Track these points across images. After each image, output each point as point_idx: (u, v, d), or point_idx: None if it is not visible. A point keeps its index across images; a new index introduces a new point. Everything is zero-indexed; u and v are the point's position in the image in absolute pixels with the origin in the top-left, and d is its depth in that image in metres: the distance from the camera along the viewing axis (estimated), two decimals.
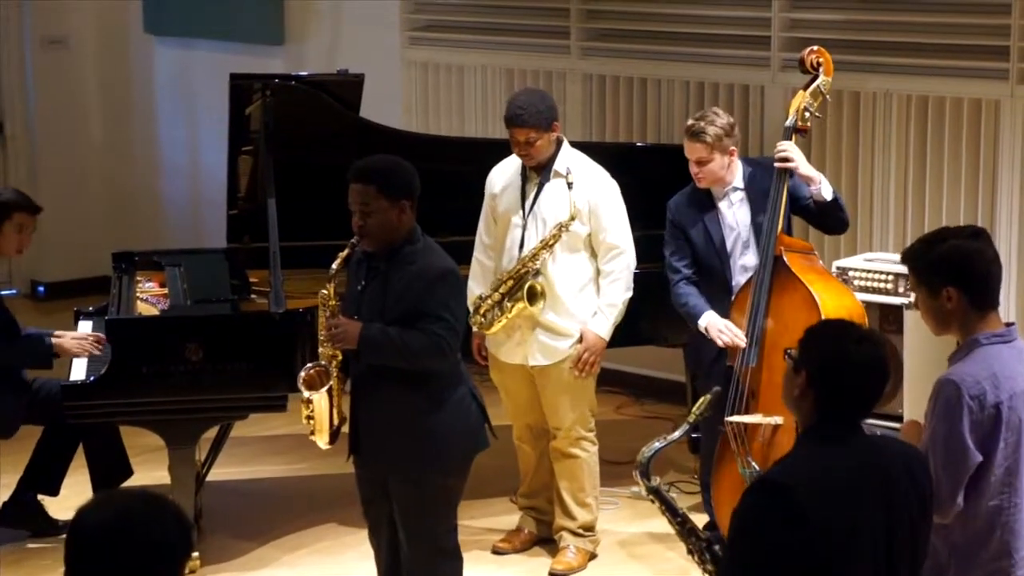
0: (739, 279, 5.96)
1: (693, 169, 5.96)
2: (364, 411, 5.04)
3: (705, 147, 5.90)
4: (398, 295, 4.91)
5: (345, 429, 5.16)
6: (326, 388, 5.06)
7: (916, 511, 3.57)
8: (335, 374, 5.07)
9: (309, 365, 5.10)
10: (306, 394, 5.08)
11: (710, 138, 5.89)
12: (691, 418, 5.24)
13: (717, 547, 4.12)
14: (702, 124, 5.91)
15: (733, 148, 5.96)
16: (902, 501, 3.52)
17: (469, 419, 5.04)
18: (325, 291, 5.02)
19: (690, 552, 4.29)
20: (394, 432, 4.96)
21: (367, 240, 4.94)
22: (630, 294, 6.12)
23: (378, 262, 4.99)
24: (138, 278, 6.88)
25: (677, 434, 5.28)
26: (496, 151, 6.29)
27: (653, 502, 4.68)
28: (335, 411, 5.12)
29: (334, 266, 5.01)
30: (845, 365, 3.52)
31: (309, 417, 5.13)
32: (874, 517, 3.46)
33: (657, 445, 4.96)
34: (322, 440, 5.17)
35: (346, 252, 4.99)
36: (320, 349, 5.07)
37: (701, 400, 5.24)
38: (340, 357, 5.07)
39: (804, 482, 3.39)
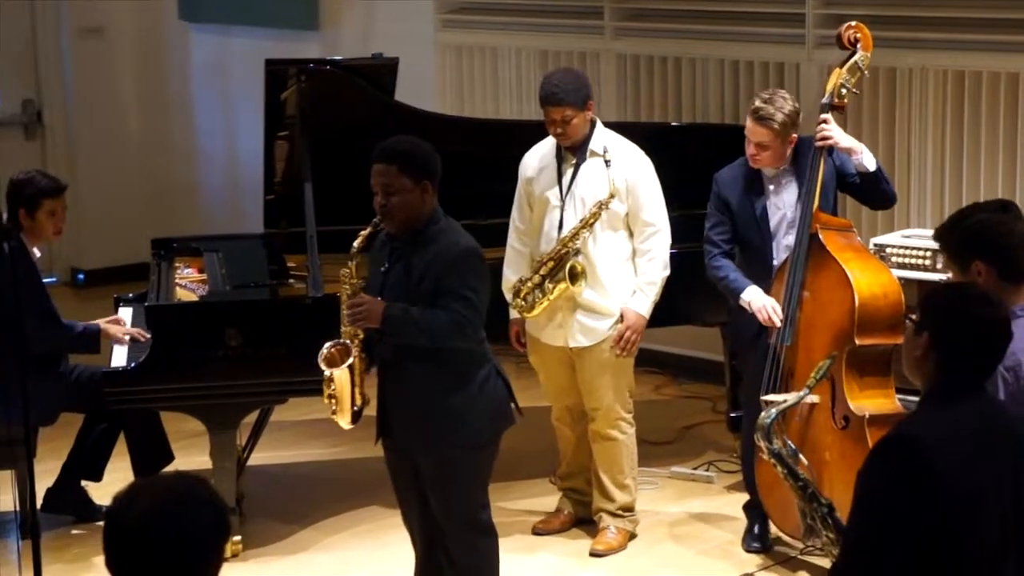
0: (781, 258, 5.94)
1: (751, 150, 5.88)
2: (391, 392, 5.07)
3: (770, 132, 5.82)
4: (420, 275, 4.94)
5: (372, 412, 5.18)
6: (347, 364, 5.08)
7: None
8: (356, 352, 5.09)
9: (330, 343, 5.11)
10: (327, 371, 5.11)
11: (777, 125, 5.80)
12: (810, 382, 5.26)
13: (838, 513, 4.12)
14: (771, 109, 5.80)
15: (795, 136, 5.91)
16: None
17: (496, 396, 5.06)
18: (347, 269, 5.05)
19: (812, 519, 4.28)
20: (422, 412, 4.98)
21: (389, 220, 4.96)
22: (668, 272, 6.11)
23: (401, 244, 5.01)
24: (177, 264, 6.91)
25: (793, 399, 5.29)
26: (531, 133, 6.29)
27: (775, 466, 4.71)
28: (357, 391, 5.13)
29: (355, 244, 5.04)
30: (967, 325, 3.50)
31: (331, 396, 5.16)
32: (1001, 475, 3.45)
33: (774, 411, 5.00)
34: (344, 420, 5.19)
35: (368, 231, 5.02)
36: (342, 328, 5.09)
37: (819, 365, 5.26)
38: (362, 335, 5.09)
39: (934, 435, 3.39)
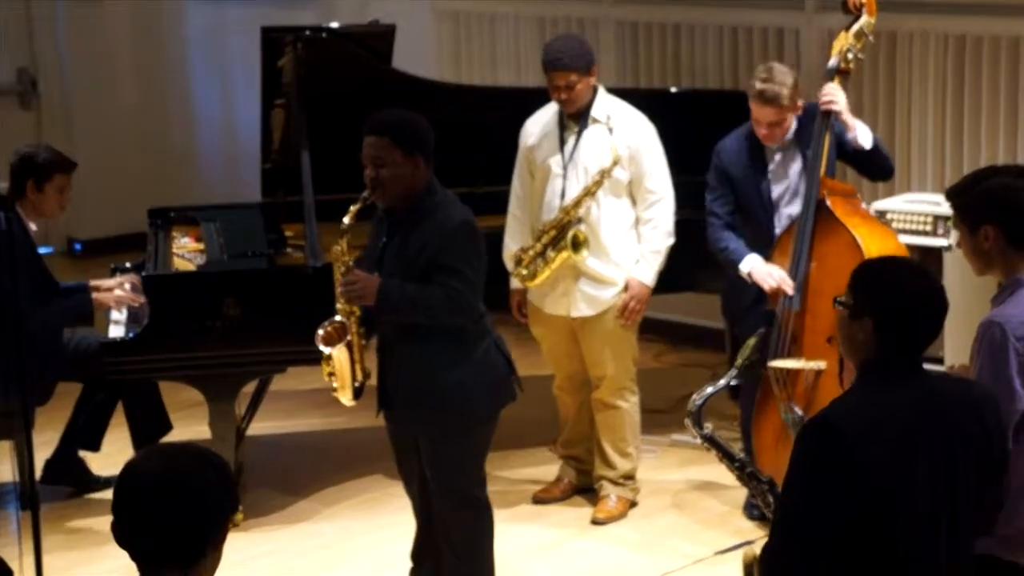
0: (783, 228, 5.90)
1: (762, 131, 5.83)
2: (391, 367, 5.02)
3: (779, 110, 5.77)
4: (416, 250, 4.87)
5: (373, 384, 5.15)
6: (344, 343, 5.03)
7: (983, 455, 3.48)
8: (353, 330, 5.04)
9: (326, 322, 5.07)
10: (325, 351, 5.06)
11: (786, 101, 5.74)
12: (739, 362, 5.22)
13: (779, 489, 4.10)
14: (775, 88, 5.71)
15: (801, 103, 5.86)
16: (965, 444, 3.44)
17: (495, 372, 5.01)
18: (338, 247, 4.98)
19: (753, 496, 4.27)
20: (420, 387, 4.94)
21: (379, 193, 4.88)
22: (672, 240, 6.08)
23: (397, 218, 4.95)
24: (174, 234, 6.88)
25: (725, 380, 5.27)
26: (528, 100, 6.25)
27: (708, 450, 4.68)
28: (357, 367, 5.09)
29: (346, 220, 4.96)
30: (912, 304, 3.44)
31: (331, 374, 5.12)
32: (932, 459, 3.39)
33: (709, 391, 4.95)
34: (345, 397, 5.15)
35: (358, 206, 4.94)
36: (337, 305, 5.04)
37: (746, 344, 5.24)
38: (358, 312, 5.04)
39: (857, 423, 3.35)
